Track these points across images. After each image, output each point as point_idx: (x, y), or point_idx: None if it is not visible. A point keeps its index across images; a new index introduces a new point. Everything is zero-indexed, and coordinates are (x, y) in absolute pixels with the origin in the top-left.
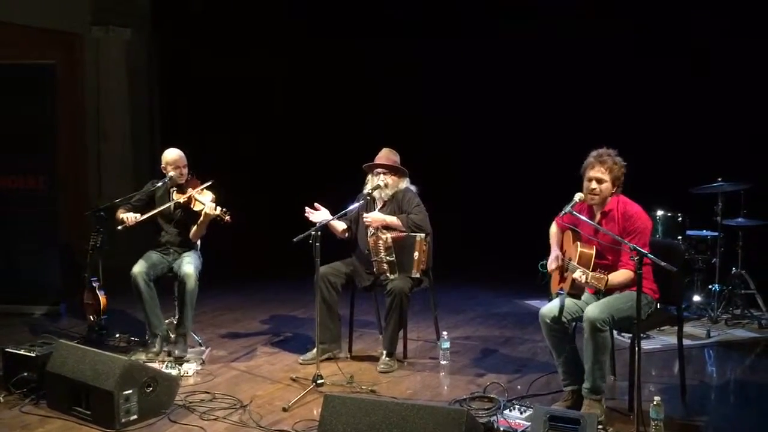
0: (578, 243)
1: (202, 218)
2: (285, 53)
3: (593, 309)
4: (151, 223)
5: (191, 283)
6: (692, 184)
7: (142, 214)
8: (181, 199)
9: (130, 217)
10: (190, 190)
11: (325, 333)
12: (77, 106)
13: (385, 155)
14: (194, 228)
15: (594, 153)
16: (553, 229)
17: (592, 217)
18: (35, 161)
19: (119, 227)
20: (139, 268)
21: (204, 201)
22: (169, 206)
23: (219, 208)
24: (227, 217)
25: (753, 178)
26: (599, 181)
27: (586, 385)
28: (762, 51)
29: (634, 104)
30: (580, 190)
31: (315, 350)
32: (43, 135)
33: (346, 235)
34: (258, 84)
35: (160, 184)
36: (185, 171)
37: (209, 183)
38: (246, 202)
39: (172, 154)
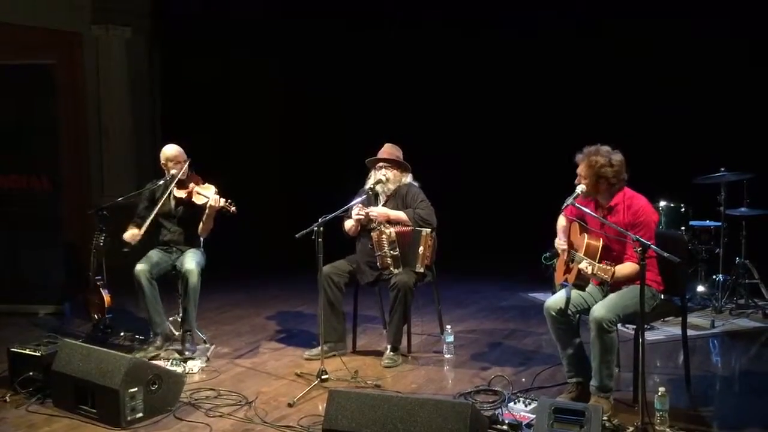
0: (585, 234)
1: (207, 211)
2: (286, 52)
3: (600, 309)
4: (154, 221)
5: (194, 279)
6: (695, 174)
7: (139, 228)
8: (182, 194)
9: (127, 236)
10: (191, 185)
11: (330, 333)
12: (78, 106)
13: (388, 150)
14: (201, 223)
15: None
16: (561, 219)
17: (598, 210)
18: (37, 161)
19: (125, 249)
20: (141, 266)
21: (207, 194)
22: (170, 203)
23: (223, 200)
24: (233, 208)
25: (756, 167)
26: (583, 176)
27: (593, 383)
28: (763, 43)
29: (636, 95)
30: None
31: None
32: (44, 135)
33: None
34: (259, 83)
35: (161, 182)
36: (186, 166)
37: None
38: (249, 199)
39: (171, 150)
